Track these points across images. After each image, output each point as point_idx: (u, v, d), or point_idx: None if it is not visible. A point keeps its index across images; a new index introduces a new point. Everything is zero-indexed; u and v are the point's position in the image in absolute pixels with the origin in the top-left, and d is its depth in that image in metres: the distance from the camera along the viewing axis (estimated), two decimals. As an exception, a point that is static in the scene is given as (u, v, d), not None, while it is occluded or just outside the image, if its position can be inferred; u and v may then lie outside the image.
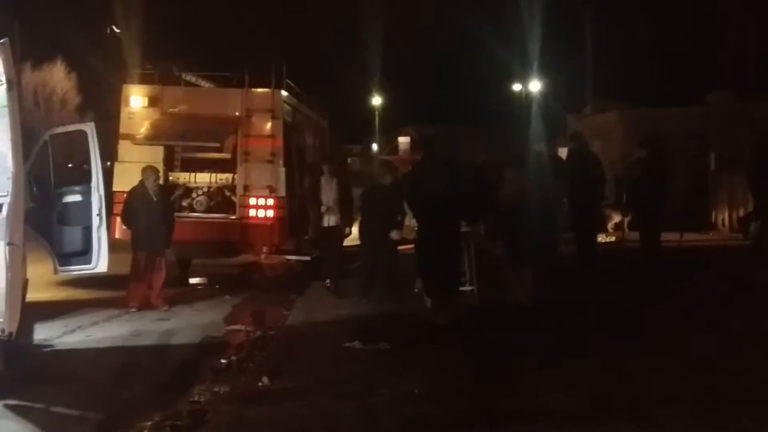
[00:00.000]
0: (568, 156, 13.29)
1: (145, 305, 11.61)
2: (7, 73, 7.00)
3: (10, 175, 7.09)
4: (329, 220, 12.42)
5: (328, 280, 12.52)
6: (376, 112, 60.89)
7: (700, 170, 19.42)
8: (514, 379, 7.12)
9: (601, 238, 15.55)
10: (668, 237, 13.46)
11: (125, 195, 12.20)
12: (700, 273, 11.79)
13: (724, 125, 19.13)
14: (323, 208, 12.38)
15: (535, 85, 37.00)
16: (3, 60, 7.03)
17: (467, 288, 10.98)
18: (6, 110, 7.10)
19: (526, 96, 39.42)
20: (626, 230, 16.22)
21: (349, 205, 12.59)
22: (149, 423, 6.58)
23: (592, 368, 7.34)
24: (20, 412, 6.90)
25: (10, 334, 6.97)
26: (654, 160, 11.92)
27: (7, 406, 6.99)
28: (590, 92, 28.42)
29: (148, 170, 12.07)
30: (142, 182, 11.90)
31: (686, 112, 20.93)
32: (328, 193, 12.43)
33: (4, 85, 7.06)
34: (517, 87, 42.59)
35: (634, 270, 11.98)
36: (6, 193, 7.11)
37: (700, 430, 5.83)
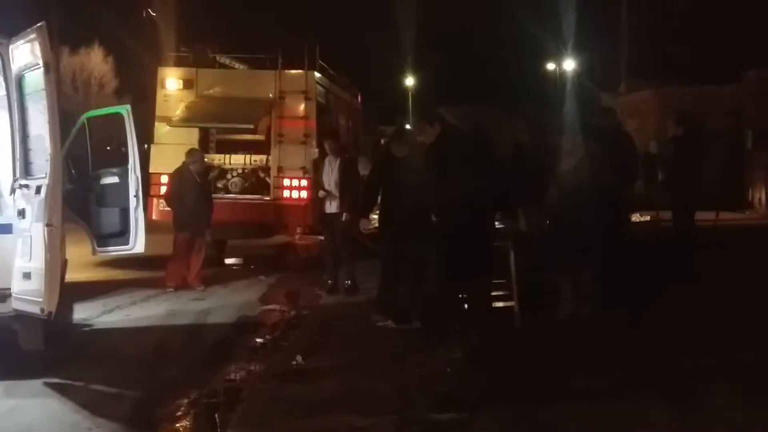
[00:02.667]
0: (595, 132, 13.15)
1: (181, 286, 11.75)
2: (44, 56, 7.06)
3: (47, 157, 7.19)
4: (331, 206, 11.03)
5: (327, 277, 11.35)
6: (409, 93, 60.73)
7: (736, 148, 19.18)
8: (547, 360, 7.10)
9: (635, 218, 15.42)
10: (703, 216, 13.32)
11: (169, 176, 12.33)
12: (734, 253, 11.68)
13: (762, 102, 18.84)
14: (321, 193, 11.14)
15: (569, 64, 36.63)
16: (40, 44, 7.10)
17: (505, 304, 8.35)
18: (43, 93, 7.17)
19: (559, 75, 39.06)
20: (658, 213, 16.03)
21: (350, 188, 10.77)
22: (186, 401, 6.69)
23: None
24: (60, 389, 7.05)
25: (50, 313, 7.08)
26: (688, 139, 11.79)
27: (47, 384, 7.13)
28: (625, 71, 28.10)
29: (194, 152, 12.18)
30: (186, 164, 12.00)
31: (723, 89, 20.66)
32: (330, 175, 11.05)
33: (41, 69, 7.13)
34: (550, 66, 42.19)
35: (666, 252, 11.73)
36: (44, 175, 7.21)
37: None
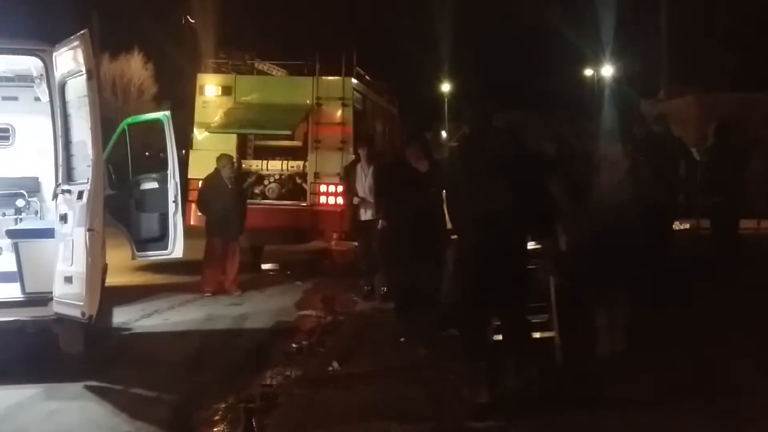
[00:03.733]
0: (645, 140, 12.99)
1: (219, 290, 11.83)
2: (87, 63, 7.16)
3: (89, 163, 7.28)
4: (365, 213, 11.03)
5: (363, 283, 11.30)
6: (446, 99, 60.66)
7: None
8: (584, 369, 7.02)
9: (675, 226, 15.21)
10: (745, 224, 13.13)
11: (200, 182, 12.46)
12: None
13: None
14: (355, 200, 11.21)
15: (608, 70, 36.36)
16: (83, 51, 7.20)
17: (543, 335, 7.12)
18: (86, 100, 7.27)
19: (597, 81, 38.78)
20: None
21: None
22: (223, 405, 6.73)
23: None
24: (99, 393, 7.13)
25: (90, 317, 7.16)
26: (728, 146, 11.61)
27: (87, 387, 7.23)
28: (665, 77, 27.82)
29: (224, 158, 12.28)
30: (217, 170, 12.12)
31: (765, 96, 20.35)
32: (364, 182, 11.13)
33: (84, 75, 7.23)
34: (588, 72, 41.93)
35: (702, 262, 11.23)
36: (86, 181, 7.30)
37: None
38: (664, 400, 6.14)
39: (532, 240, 6.72)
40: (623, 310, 7.27)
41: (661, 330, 7.74)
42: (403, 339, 8.21)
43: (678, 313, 8.28)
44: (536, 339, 6.90)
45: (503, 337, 6.41)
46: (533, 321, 6.88)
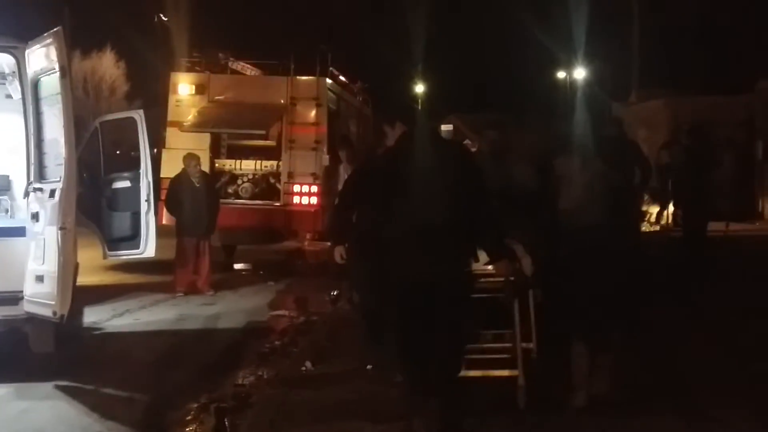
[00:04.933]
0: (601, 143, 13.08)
1: (191, 290, 11.80)
2: (60, 60, 7.12)
3: (61, 161, 7.24)
4: None
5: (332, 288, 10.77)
6: (419, 100, 60.78)
7: (747, 159, 19.13)
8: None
9: (645, 227, 15.38)
10: (714, 227, 13.29)
11: (168, 182, 12.41)
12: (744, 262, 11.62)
13: (773, 114, 18.83)
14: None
15: (580, 73, 36.60)
16: (57, 48, 7.16)
17: (509, 373, 6.12)
18: (59, 97, 7.23)
19: (570, 84, 39.05)
20: (669, 222, 15.89)
21: None
22: (195, 405, 6.72)
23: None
24: (70, 392, 7.09)
25: (62, 316, 7.12)
26: (698, 148, 11.76)
27: (58, 387, 7.19)
28: (636, 80, 28.06)
29: (189, 157, 12.26)
30: (184, 169, 12.10)
31: (734, 100, 20.62)
32: None
33: (58, 73, 7.19)
34: (561, 75, 42.18)
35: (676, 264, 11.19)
36: (58, 179, 7.26)
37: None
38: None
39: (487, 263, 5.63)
40: (606, 348, 6.15)
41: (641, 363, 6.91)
42: (370, 367, 7.18)
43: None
44: (497, 377, 6.12)
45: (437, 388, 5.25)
46: (495, 356, 6.15)
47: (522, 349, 6.13)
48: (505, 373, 6.13)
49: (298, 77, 14.41)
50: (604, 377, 6.11)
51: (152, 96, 25.35)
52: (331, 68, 15.02)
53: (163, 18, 31.50)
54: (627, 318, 6.33)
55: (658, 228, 16.74)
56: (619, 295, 6.02)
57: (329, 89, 14.71)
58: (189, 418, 6.48)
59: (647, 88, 25.43)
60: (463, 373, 5.64)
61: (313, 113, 14.24)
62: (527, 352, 6.31)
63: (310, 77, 14.44)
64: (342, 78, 16.35)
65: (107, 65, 40.07)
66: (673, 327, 8.30)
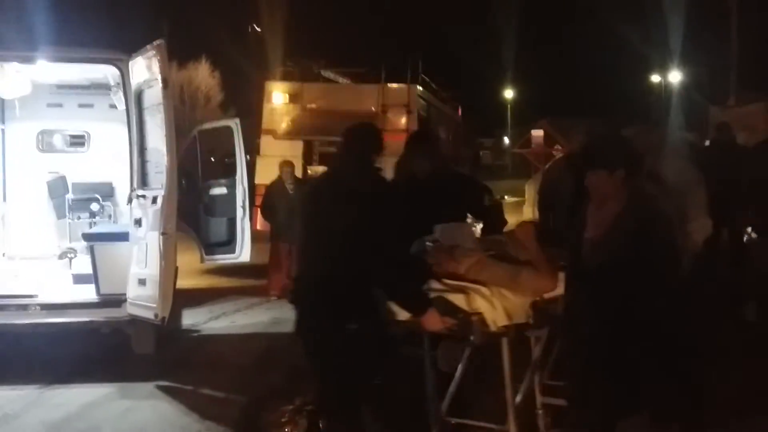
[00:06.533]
0: (709, 147, 12.72)
1: (284, 294, 11.98)
2: (162, 72, 7.35)
3: (163, 169, 7.49)
4: None
5: None
6: (509, 105, 60.42)
7: None
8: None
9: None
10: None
11: (264, 188, 12.67)
12: None
13: None
14: None
15: (676, 76, 35.80)
16: (159, 60, 7.40)
17: None
18: (161, 108, 7.48)
19: (665, 87, 38.20)
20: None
21: None
22: (290, 407, 6.81)
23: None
24: (170, 392, 7.29)
25: (163, 319, 7.35)
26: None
27: (158, 387, 7.42)
28: (735, 83, 27.27)
29: (284, 164, 12.48)
30: (279, 176, 12.32)
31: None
32: None
33: (160, 84, 7.43)
34: (656, 78, 41.33)
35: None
36: (160, 186, 7.51)
37: None
38: None
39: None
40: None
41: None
42: None
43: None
44: None
45: None
46: None
47: None
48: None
49: (389, 85, 14.54)
50: None
51: (246, 104, 25.88)
52: (422, 75, 15.10)
53: (257, 28, 32.26)
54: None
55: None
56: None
57: (420, 96, 14.80)
58: (284, 420, 6.58)
59: (747, 91, 24.67)
60: None
61: (403, 120, 14.33)
62: None
63: (401, 84, 14.54)
64: (432, 85, 16.41)
65: (203, 75, 41.02)
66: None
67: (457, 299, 4.70)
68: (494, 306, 4.67)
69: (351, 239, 4.47)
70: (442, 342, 4.95)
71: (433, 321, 4.59)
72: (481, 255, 4.94)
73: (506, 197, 23.40)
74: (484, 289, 4.72)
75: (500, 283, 4.72)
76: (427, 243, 5.07)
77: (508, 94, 59.57)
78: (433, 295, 4.70)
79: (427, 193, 5.58)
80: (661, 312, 4.13)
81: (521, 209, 17.59)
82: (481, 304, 4.66)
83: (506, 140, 60.07)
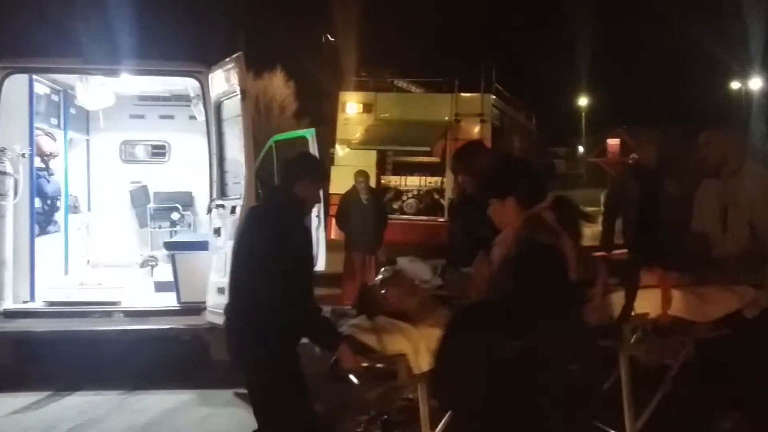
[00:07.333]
0: None
1: (358, 303, 12.03)
2: (241, 84, 7.48)
3: (241, 179, 7.61)
4: None
5: None
6: (583, 113, 59.65)
7: None
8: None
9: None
10: None
11: (339, 198, 12.78)
12: None
13: None
14: None
15: (756, 83, 34.89)
16: (238, 72, 7.53)
17: None
18: (239, 119, 7.60)
19: (745, 95, 37.25)
20: None
21: None
22: (365, 417, 6.85)
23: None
24: (248, 400, 7.35)
25: (242, 326, 7.44)
26: None
27: (237, 395, 7.49)
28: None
29: (358, 174, 12.56)
30: (354, 185, 12.41)
31: None
32: None
33: (238, 96, 7.56)
34: (735, 85, 40.34)
35: None
36: (239, 196, 7.63)
37: None
38: None
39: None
40: None
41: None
42: None
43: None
44: None
45: None
46: None
47: None
48: None
49: (462, 94, 14.53)
50: None
51: (320, 114, 26.15)
52: (495, 83, 15.04)
53: (331, 38, 32.58)
54: None
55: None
56: None
57: (493, 105, 14.75)
58: (359, 430, 6.63)
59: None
60: None
61: (477, 129, 14.31)
62: None
63: (475, 94, 14.52)
64: (506, 93, 16.33)
65: (278, 85, 41.54)
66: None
67: (370, 339, 4.65)
68: (418, 350, 4.59)
69: (252, 269, 4.61)
70: None
71: (347, 358, 4.71)
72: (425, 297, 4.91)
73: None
74: (413, 331, 4.64)
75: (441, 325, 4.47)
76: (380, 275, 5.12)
77: (583, 102, 58.84)
78: (346, 332, 4.74)
79: (472, 208, 5.15)
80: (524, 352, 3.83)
81: (596, 219, 17.33)
82: (404, 346, 4.60)
83: (581, 149, 59.33)
